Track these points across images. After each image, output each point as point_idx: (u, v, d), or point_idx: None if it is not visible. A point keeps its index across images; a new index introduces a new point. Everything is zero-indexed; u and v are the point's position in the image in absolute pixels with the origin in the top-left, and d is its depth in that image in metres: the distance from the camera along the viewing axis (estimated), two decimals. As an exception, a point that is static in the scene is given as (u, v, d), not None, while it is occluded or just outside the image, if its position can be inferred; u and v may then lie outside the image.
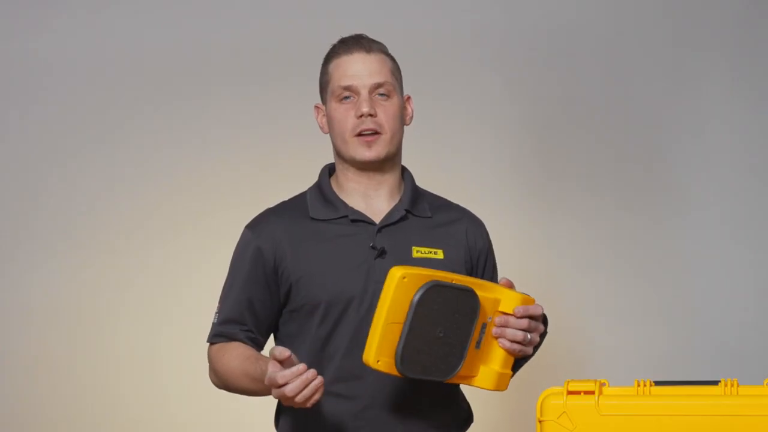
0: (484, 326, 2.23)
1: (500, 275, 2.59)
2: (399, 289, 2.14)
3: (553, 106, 3.88)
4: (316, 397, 2.16)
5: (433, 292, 2.15)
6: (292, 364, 2.15)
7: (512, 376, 2.32)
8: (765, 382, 2.14)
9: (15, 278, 3.84)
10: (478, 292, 2.21)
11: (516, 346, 2.26)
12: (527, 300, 2.26)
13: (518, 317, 2.24)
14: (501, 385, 2.29)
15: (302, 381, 2.13)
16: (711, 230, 3.87)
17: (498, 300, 2.24)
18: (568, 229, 3.87)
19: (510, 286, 2.29)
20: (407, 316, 2.14)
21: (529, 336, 2.26)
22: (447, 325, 2.18)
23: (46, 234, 3.84)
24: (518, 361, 2.34)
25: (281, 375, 2.14)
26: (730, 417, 2.09)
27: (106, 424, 3.81)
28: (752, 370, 3.63)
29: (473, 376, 2.26)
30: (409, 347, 2.15)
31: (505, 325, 2.25)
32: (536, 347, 2.33)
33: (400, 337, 2.15)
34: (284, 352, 2.16)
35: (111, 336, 3.82)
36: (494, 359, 2.27)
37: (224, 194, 3.84)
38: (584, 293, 3.86)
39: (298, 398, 2.14)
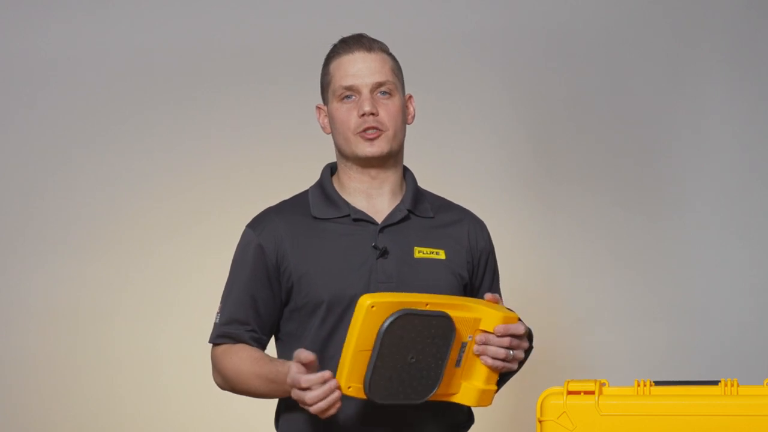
0: (463, 345, 2.22)
1: (501, 275, 2.59)
2: (368, 318, 2.12)
3: (553, 106, 3.88)
4: (332, 411, 2.15)
5: (401, 321, 2.14)
6: (316, 369, 2.15)
7: (497, 390, 2.31)
8: (765, 382, 2.14)
9: (15, 278, 3.84)
10: (455, 314, 2.19)
11: (498, 363, 2.25)
12: (509, 318, 2.24)
13: (498, 336, 2.24)
14: (483, 400, 2.28)
15: (324, 391, 2.13)
16: (711, 230, 3.87)
17: (479, 319, 2.23)
18: (568, 229, 3.87)
19: (496, 301, 2.28)
20: (374, 345, 2.13)
21: (512, 353, 2.25)
22: (420, 349, 2.16)
23: (46, 234, 3.84)
24: (503, 376, 2.33)
25: (306, 378, 2.14)
26: (730, 417, 2.09)
27: (106, 424, 3.81)
28: (752, 370, 3.63)
29: (454, 393, 2.26)
30: (377, 375, 2.14)
31: (486, 343, 2.24)
32: (522, 362, 2.32)
33: (368, 366, 2.14)
34: (310, 355, 2.15)
35: (111, 336, 3.82)
36: (477, 376, 2.26)
37: (224, 194, 3.84)
38: (584, 293, 3.86)
39: (314, 408, 2.14)
